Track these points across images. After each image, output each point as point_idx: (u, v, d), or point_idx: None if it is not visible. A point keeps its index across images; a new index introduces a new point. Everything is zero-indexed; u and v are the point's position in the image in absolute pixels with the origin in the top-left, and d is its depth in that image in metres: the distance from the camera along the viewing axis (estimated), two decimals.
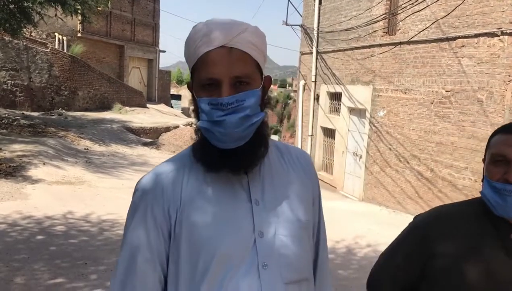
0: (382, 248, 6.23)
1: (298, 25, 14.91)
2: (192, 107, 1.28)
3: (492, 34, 7.85)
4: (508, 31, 7.57)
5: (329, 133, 13.49)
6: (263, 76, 1.24)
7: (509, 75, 7.54)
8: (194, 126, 1.25)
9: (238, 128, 1.14)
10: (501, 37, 7.70)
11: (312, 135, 14.07)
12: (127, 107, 21.10)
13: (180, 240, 1.19)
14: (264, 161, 1.27)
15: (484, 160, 1.43)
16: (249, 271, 1.17)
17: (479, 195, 1.41)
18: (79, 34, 21.18)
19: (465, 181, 8.31)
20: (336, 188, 12.72)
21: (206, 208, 1.20)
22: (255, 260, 1.18)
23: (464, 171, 8.36)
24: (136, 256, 1.20)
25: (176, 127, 18.37)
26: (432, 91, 9.17)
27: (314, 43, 13.58)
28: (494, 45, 7.84)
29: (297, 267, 1.25)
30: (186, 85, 1.32)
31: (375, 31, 11.05)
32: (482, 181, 1.40)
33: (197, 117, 1.21)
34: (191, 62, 1.20)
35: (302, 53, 14.84)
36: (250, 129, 1.17)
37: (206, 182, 1.23)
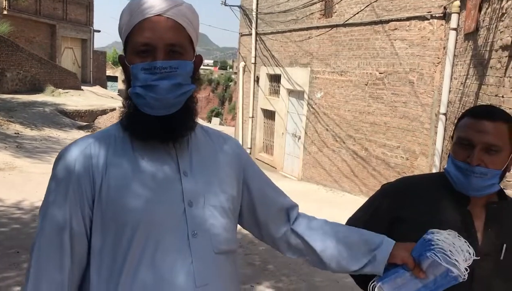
0: None
1: (237, 6, 14.82)
2: (123, 79, 1.28)
3: (422, 18, 8.19)
4: (437, 15, 7.92)
5: (269, 115, 13.61)
6: (195, 54, 1.28)
7: (438, 58, 7.91)
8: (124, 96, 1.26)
9: (170, 94, 1.17)
10: (431, 20, 8.05)
11: (252, 117, 14.15)
12: (60, 90, 20.20)
13: (106, 208, 1.19)
14: (192, 136, 1.31)
15: (452, 138, 1.51)
16: (179, 239, 1.21)
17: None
18: (5, 12, 19.90)
19: (397, 159, 8.69)
20: (276, 168, 12.91)
21: (132, 177, 1.20)
22: (185, 228, 1.22)
23: (396, 150, 8.74)
24: (62, 229, 1.18)
25: (113, 110, 17.83)
26: (367, 73, 9.46)
27: (253, 25, 13.57)
28: (425, 28, 8.18)
29: (226, 237, 1.30)
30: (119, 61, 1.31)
31: (312, 13, 11.19)
32: (448, 157, 1.49)
33: (128, 87, 1.22)
34: (127, 31, 1.22)
35: (241, 35, 14.79)
36: (181, 98, 1.21)
37: (134, 152, 1.23)
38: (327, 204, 8.61)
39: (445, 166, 1.51)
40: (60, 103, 17.27)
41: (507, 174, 4.50)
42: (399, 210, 1.49)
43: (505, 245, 1.43)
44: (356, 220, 1.62)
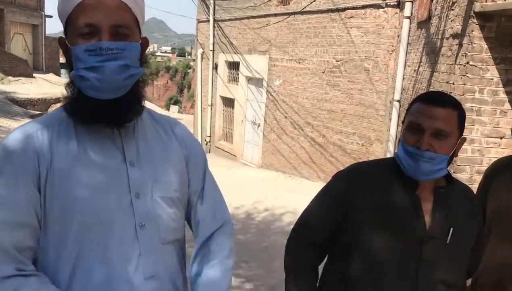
0: (279, 211, 6.55)
1: None
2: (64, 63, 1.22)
3: (377, 6, 8.32)
4: (391, 4, 8.07)
5: (229, 102, 13.57)
6: (141, 36, 1.23)
7: (392, 46, 8.09)
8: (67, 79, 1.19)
9: (117, 76, 1.11)
10: (386, 9, 8.19)
11: (211, 105, 14.06)
12: (10, 77, 19.39)
13: (51, 199, 1.13)
14: (138, 122, 1.27)
15: (403, 123, 1.54)
16: (127, 232, 1.18)
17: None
18: None
19: (353, 146, 8.87)
20: (236, 156, 12.92)
21: (77, 168, 1.15)
22: (132, 220, 1.19)
23: (352, 136, 8.91)
24: (10, 219, 1.10)
25: None
26: (324, 60, 9.56)
27: (211, 11, 13.42)
28: (380, 17, 8.33)
29: (173, 227, 1.29)
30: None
31: (269, 0, 11.17)
32: (399, 142, 1.52)
33: (71, 70, 1.16)
34: (67, 12, 1.14)
35: (199, 21, 14.61)
36: (129, 81, 1.15)
37: (78, 139, 1.18)
38: (286, 190, 8.71)
39: (396, 151, 1.54)
40: (11, 92, 16.61)
41: (457, 158, 4.65)
42: (353, 198, 1.52)
43: (451, 229, 1.48)
44: (312, 214, 1.63)
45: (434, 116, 1.43)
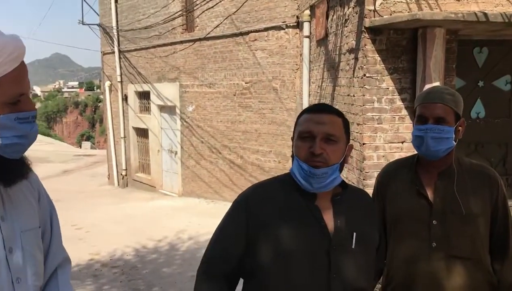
0: (204, 238, 6.47)
1: (96, 24, 14.26)
2: None
3: (278, 28, 8.63)
4: (291, 24, 8.41)
5: (142, 133, 13.29)
6: None
7: (296, 64, 8.40)
8: None
9: (35, 139, 1.22)
10: (286, 30, 8.52)
11: (124, 137, 13.68)
12: None
13: None
14: None
15: (293, 139, 1.58)
16: (4, 288, 1.19)
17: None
18: None
19: (271, 163, 9.03)
20: (155, 187, 12.63)
21: None
22: (9, 276, 1.20)
23: (269, 154, 9.08)
24: None
25: None
26: (234, 83, 9.70)
27: (115, 42, 13.16)
28: (282, 38, 8.63)
29: (40, 272, 1.34)
30: None
31: (174, 28, 11.19)
32: (292, 157, 1.56)
33: None
34: None
35: (104, 53, 14.26)
36: None
37: None
38: (209, 216, 8.64)
39: (291, 167, 1.58)
40: None
41: (366, 165, 4.86)
42: (254, 216, 1.53)
43: (355, 234, 1.52)
44: (218, 242, 1.60)
45: (322, 121, 1.50)
